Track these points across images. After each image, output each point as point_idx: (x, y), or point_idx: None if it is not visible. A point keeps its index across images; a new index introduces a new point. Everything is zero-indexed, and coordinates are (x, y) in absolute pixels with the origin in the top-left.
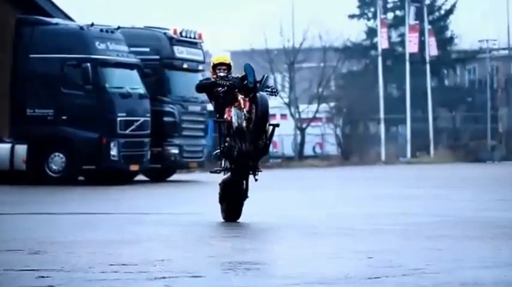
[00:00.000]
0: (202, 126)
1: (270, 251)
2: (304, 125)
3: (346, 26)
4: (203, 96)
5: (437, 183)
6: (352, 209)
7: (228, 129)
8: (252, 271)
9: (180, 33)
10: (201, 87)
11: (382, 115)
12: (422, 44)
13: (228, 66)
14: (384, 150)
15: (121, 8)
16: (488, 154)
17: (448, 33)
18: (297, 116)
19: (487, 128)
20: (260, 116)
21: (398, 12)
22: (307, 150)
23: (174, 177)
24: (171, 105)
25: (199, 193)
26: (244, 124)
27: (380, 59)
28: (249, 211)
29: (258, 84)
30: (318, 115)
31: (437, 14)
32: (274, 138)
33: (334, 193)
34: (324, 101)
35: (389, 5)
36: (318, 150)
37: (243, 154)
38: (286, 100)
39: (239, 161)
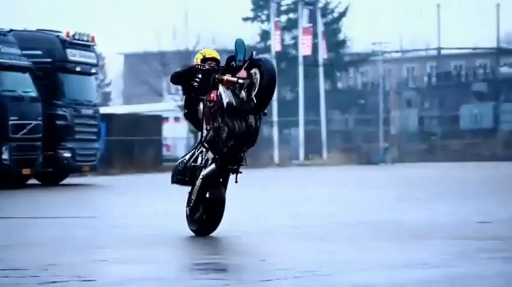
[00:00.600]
0: (95, 129)
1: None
2: None
3: (240, 29)
4: (96, 99)
5: (330, 185)
6: (244, 211)
7: (211, 114)
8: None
9: (73, 36)
10: (177, 76)
11: (275, 118)
12: (315, 47)
13: (217, 63)
14: (277, 152)
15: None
16: (380, 156)
17: (341, 36)
18: None
19: (379, 130)
20: (265, 85)
21: (292, 15)
22: None
23: (67, 180)
24: (63, 109)
25: (92, 196)
26: (234, 102)
27: (274, 61)
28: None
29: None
30: None
31: (330, 16)
32: (168, 141)
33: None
34: None
35: (283, 8)
36: None
37: (236, 134)
38: (180, 103)
39: (230, 145)
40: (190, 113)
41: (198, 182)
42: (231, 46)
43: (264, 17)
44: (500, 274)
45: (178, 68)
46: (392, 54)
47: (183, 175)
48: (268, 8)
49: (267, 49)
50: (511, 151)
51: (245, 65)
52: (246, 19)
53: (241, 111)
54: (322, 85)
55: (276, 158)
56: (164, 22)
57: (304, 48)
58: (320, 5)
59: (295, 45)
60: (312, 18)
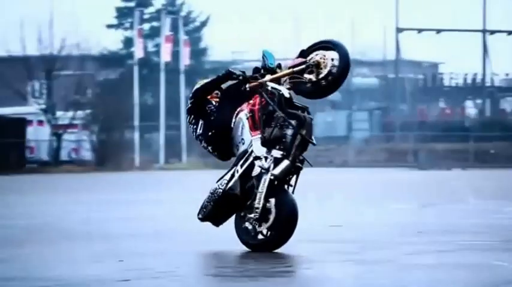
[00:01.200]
0: None
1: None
2: (60, 131)
3: (103, 36)
4: None
5: (188, 188)
6: (107, 213)
7: (260, 117)
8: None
9: None
10: (204, 90)
11: (136, 122)
12: (177, 55)
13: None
14: (139, 156)
15: None
16: None
17: (203, 44)
18: (53, 122)
19: None
20: (341, 70)
21: (155, 23)
22: (64, 155)
23: None
24: None
25: None
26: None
27: (136, 68)
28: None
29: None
30: (74, 122)
31: (192, 25)
32: (32, 143)
33: (89, 197)
34: (80, 108)
35: (146, 17)
36: (73, 156)
37: (308, 121)
38: (43, 107)
39: (302, 135)
40: (219, 133)
41: (264, 186)
42: (95, 52)
43: (127, 25)
44: (350, 276)
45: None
46: (251, 63)
47: (226, 197)
48: (132, 16)
49: (130, 56)
50: (362, 157)
51: (297, 55)
52: (110, 26)
53: (312, 94)
54: (183, 91)
55: (137, 162)
56: (29, 26)
57: (166, 56)
58: (182, 13)
59: (157, 53)
60: (174, 27)
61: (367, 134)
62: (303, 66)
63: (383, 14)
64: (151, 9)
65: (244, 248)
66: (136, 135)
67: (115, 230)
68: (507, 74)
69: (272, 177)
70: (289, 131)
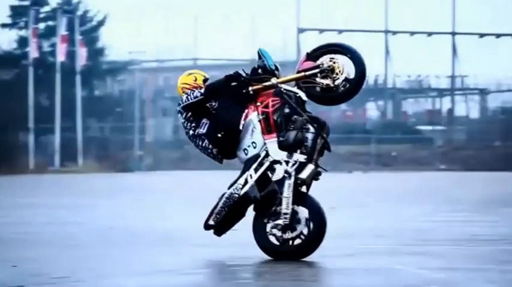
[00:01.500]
0: None
1: None
2: None
3: None
4: None
5: (84, 192)
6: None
7: (269, 120)
8: None
9: None
10: (214, 90)
11: (31, 124)
12: (73, 54)
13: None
14: (33, 159)
15: None
16: (136, 163)
17: (100, 44)
18: None
19: (135, 138)
20: (359, 77)
21: (50, 23)
22: None
23: None
24: None
25: None
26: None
27: (31, 68)
28: None
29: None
30: None
31: (89, 25)
32: None
33: None
34: None
35: (42, 16)
36: None
37: (324, 126)
38: None
39: (324, 137)
40: (228, 133)
41: (290, 190)
42: None
43: (22, 24)
44: (248, 278)
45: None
46: (149, 64)
47: (245, 201)
48: (26, 15)
49: (25, 55)
50: None
51: (305, 58)
52: (4, 25)
53: (330, 101)
54: (79, 92)
55: (32, 165)
56: None
57: (61, 56)
58: (79, 13)
59: (53, 53)
60: (71, 26)
61: None
62: (317, 70)
63: (284, 14)
64: (46, 8)
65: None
66: (31, 138)
67: (6, 235)
68: (409, 76)
69: (299, 181)
70: (310, 135)
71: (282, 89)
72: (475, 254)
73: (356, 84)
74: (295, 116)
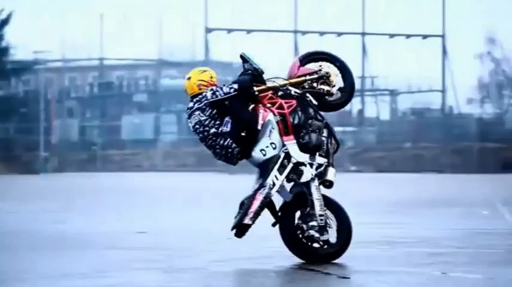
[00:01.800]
0: None
1: None
2: None
3: None
4: None
5: None
6: None
7: (286, 121)
8: None
9: None
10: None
11: None
12: None
13: None
14: None
15: None
16: (41, 165)
17: (4, 43)
18: None
19: (40, 139)
20: (350, 87)
21: None
22: None
23: None
24: None
25: None
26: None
27: None
28: None
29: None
30: None
31: None
32: None
33: None
34: None
35: None
36: None
37: (333, 131)
38: None
39: (336, 142)
40: (248, 132)
41: (319, 193)
42: None
43: None
44: (158, 284)
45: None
46: (54, 63)
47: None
48: None
49: None
50: (170, 161)
51: (298, 63)
52: None
53: (331, 106)
54: None
55: None
56: None
57: None
58: None
59: None
60: None
61: (175, 138)
62: (316, 76)
63: (191, 13)
64: None
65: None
66: None
67: None
68: None
69: (327, 183)
70: (325, 139)
71: (292, 92)
72: (385, 256)
73: (349, 94)
74: (312, 120)
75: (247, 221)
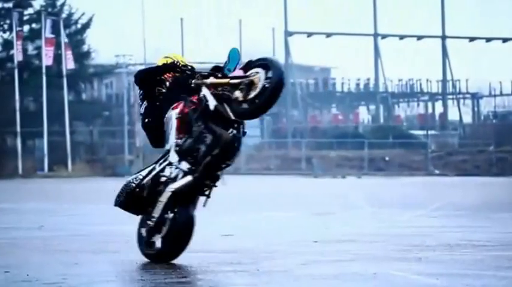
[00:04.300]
0: None
1: None
2: None
3: None
4: None
5: (73, 197)
6: None
7: (188, 120)
8: None
9: None
10: (146, 75)
11: (18, 128)
12: (59, 58)
13: (193, 70)
14: (21, 163)
15: None
16: (125, 168)
17: (85, 47)
18: None
19: (124, 142)
20: (275, 84)
21: (34, 25)
22: None
23: None
24: None
25: None
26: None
27: (16, 71)
28: None
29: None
30: None
31: (74, 27)
32: None
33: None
34: None
35: (26, 18)
36: None
37: (223, 142)
38: None
39: (215, 154)
40: (153, 123)
41: (165, 196)
42: None
43: (6, 27)
44: (244, 285)
45: None
46: (136, 67)
47: (134, 194)
48: (10, 18)
49: (10, 59)
50: (253, 165)
51: (241, 66)
52: None
53: (235, 114)
54: (66, 96)
55: (20, 169)
56: None
57: (47, 59)
58: (63, 15)
59: (38, 56)
60: (55, 29)
61: (258, 141)
62: (242, 80)
63: (272, 16)
64: (30, 11)
65: (140, 258)
66: (19, 142)
67: None
68: (400, 80)
69: (172, 190)
70: (203, 147)
71: (201, 93)
72: (470, 260)
73: (264, 105)
74: (198, 123)
75: (114, 203)
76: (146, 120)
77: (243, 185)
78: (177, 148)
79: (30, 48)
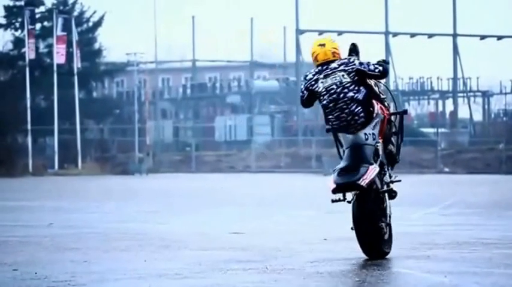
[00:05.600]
0: None
1: None
2: None
3: None
4: None
5: (84, 195)
6: None
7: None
8: None
9: None
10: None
11: (29, 126)
12: (70, 56)
13: None
14: (32, 161)
15: None
16: (136, 166)
17: (97, 45)
18: None
19: (134, 140)
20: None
21: (46, 23)
22: None
23: None
24: None
25: None
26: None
27: (27, 69)
28: None
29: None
30: None
31: (85, 26)
32: None
33: None
34: None
35: (37, 16)
36: None
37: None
38: None
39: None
40: (372, 112)
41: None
42: None
43: (17, 25)
44: (254, 284)
45: None
46: (147, 65)
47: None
48: (21, 16)
49: (21, 57)
50: (264, 162)
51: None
52: None
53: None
54: (77, 94)
55: (31, 167)
56: None
57: (59, 57)
58: (75, 13)
59: (49, 54)
60: (67, 27)
61: (269, 139)
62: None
63: (283, 15)
64: (42, 9)
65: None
66: (29, 140)
67: (4, 238)
68: (410, 78)
69: (394, 194)
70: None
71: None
72: (480, 258)
73: None
74: (393, 134)
75: (362, 182)
76: (371, 109)
77: (253, 183)
78: (384, 151)
79: (42, 47)
